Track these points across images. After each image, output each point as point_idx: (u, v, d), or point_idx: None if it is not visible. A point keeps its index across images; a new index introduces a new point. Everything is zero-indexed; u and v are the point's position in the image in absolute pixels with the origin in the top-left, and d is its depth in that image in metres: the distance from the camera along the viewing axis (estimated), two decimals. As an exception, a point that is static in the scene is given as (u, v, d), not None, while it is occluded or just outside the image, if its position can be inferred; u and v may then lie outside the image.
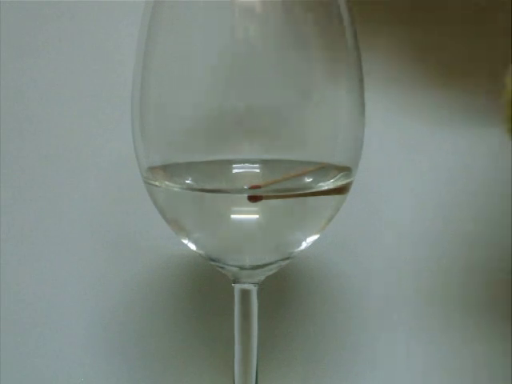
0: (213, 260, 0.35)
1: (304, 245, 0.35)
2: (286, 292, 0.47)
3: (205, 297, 0.47)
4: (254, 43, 0.32)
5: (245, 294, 0.35)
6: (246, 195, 0.32)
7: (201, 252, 0.35)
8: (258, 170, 0.33)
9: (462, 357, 0.47)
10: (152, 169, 0.34)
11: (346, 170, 0.34)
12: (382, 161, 0.45)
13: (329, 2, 0.33)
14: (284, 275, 0.45)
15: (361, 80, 0.34)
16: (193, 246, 0.35)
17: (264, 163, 0.34)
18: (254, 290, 0.36)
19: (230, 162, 0.34)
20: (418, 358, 0.47)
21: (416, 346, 0.47)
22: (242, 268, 0.35)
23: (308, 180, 0.34)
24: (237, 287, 0.36)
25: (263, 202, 0.32)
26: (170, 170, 0.34)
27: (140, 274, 0.47)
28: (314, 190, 0.34)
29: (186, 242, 0.35)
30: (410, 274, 0.47)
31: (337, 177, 0.34)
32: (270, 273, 0.36)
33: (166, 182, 0.34)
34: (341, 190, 0.34)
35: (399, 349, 0.47)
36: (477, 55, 0.37)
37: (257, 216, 0.33)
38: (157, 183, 0.34)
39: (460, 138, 0.42)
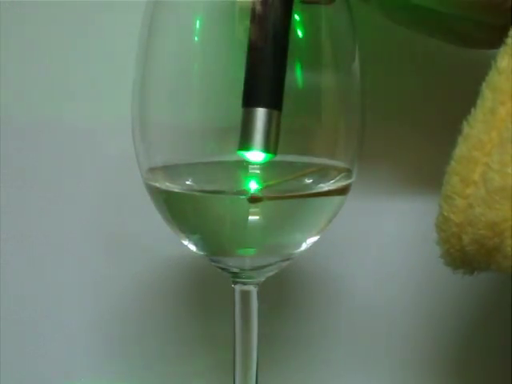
0: (213, 261, 0.35)
1: (304, 246, 0.35)
2: (286, 292, 0.47)
3: (205, 297, 0.47)
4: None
5: (245, 294, 0.35)
6: (245, 196, 0.32)
7: (201, 253, 0.35)
8: (258, 171, 0.33)
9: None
10: (152, 170, 0.34)
11: (346, 171, 0.34)
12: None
13: None
14: (285, 276, 0.45)
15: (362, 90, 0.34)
16: (193, 247, 0.35)
17: (264, 164, 0.33)
18: (254, 290, 0.36)
19: (231, 163, 0.34)
20: (421, 357, 0.48)
21: (418, 344, 0.47)
22: (242, 269, 0.35)
23: (308, 181, 0.34)
24: (237, 288, 0.36)
25: (263, 203, 0.32)
26: (170, 170, 0.34)
27: (140, 275, 0.47)
28: (314, 191, 0.34)
29: (186, 242, 0.35)
30: (411, 274, 0.47)
31: (337, 178, 0.34)
32: (270, 274, 0.36)
33: (167, 183, 0.34)
34: (341, 191, 0.34)
35: (399, 349, 0.47)
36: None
37: (257, 217, 0.33)
38: (157, 184, 0.34)
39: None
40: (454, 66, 0.44)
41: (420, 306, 0.47)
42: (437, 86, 0.45)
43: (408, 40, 0.44)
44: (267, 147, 0.30)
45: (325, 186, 0.34)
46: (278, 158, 0.31)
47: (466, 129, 0.27)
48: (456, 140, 0.28)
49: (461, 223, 0.27)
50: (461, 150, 0.27)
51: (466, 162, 0.27)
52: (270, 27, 0.30)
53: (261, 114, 0.30)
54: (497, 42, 0.27)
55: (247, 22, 0.31)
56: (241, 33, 0.32)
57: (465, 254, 0.28)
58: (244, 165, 0.33)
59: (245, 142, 0.30)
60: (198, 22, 0.33)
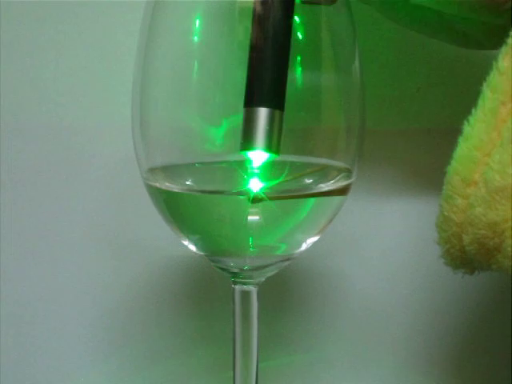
0: (213, 261, 0.35)
1: (304, 246, 0.35)
2: (286, 292, 0.47)
3: (205, 297, 0.47)
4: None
5: (245, 295, 0.35)
6: (245, 196, 0.32)
7: (201, 253, 0.35)
8: (258, 172, 0.33)
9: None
10: (152, 170, 0.34)
11: (346, 171, 0.34)
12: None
13: None
14: (285, 276, 0.45)
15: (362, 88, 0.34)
16: (193, 247, 0.35)
17: (265, 164, 0.33)
18: (254, 291, 0.36)
19: (231, 163, 0.34)
20: (419, 357, 0.48)
21: (418, 344, 0.47)
22: (242, 269, 0.35)
23: (308, 181, 0.34)
24: (237, 288, 0.36)
25: (263, 203, 0.32)
26: (170, 171, 0.34)
27: (140, 275, 0.47)
28: (314, 191, 0.34)
29: (186, 243, 0.35)
30: (411, 273, 0.47)
31: (337, 178, 0.34)
32: (270, 274, 0.36)
33: (167, 183, 0.34)
34: (341, 191, 0.34)
35: (400, 349, 0.47)
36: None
37: (257, 217, 0.33)
38: (157, 184, 0.34)
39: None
40: (454, 66, 0.44)
41: (420, 306, 0.47)
42: (437, 86, 0.45)
43: (408, 40, 0.44)
44: (270, 147, 0.30)
45: (325, 186, 0.34)
46: (278, 157, 0.31)
47: (466, 129, 0.27)
48: (456, 140, 0.28)
49: (461, 223, 0.27)
50: (461, 149, 0.27)
51: (467, 162, 0.27)
52: (271, 27, 0.30)
53: (263, 113, 0.30)
54: (497, 42, 0.27)
55: (247, 22, 0.31)
56: (241, 33, 0.32)
57: (465, 254, 0.28)
58: (244, 165, 0.33)
59: (247, 142, 0.30)
60: (197, 22, 0.33)
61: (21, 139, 0.46)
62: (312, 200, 0.34)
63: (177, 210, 0.34)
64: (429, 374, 0.48)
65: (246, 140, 0.30)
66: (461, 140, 0.28)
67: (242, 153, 0.31)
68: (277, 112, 0.30)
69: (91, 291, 0.47)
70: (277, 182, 0.33)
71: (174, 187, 0.34)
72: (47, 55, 0.45)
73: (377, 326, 0.47)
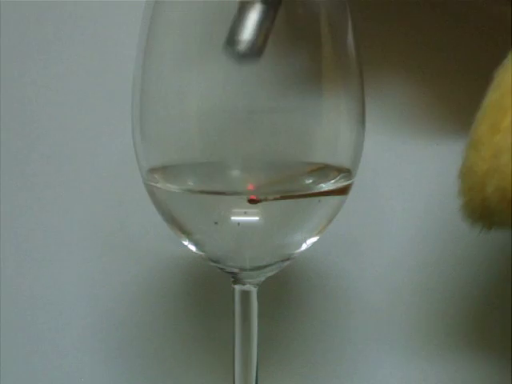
0: (213, 261, 0.35)
1: (304, 246, 0.35)
2: (286, 292, 0.47)
3: (205, 297, 0.47)
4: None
5: (245, 295, 0.35)
6: (245, 197, 0.32)
7: (201, 253, 0.35)
8: (258, 172, 0.33)
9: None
10: (152, 170, 0.34)
11: (346, 171, 0.34)
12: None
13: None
14: (285, 275, 0.45)
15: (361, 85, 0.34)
16: (193, 248, 0.35)
17: (264, 164, 0.34)
18: (254, 290, 0.36)
19: (231, 164, 0.34)
20: (419, 357, 0.48)
21: (419, 344, 0.47)
22: (241, 269, 0.35)
23: (308, 181, 0.34)
24: (237, 288, 0.36)
25: (263, 203, 0.32)
26: (170, 171, 0.34)
27: (140, 275, 0.47)
28: (314, 191, 0.34)
29: (186, 243, 0.35)
30: (410, 273, 0.47)
31: (337, 178, 0.34)
32: (270, 274, 0.36)
33: (167, 184, 0.34)
34: (341, 191, 0.34)
35: (400, 349, 0.47)
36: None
37: (256, 218, 0.33)
38: (157, 185, 0.34)
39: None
40: (454, 66, 0.44)
41: (420, 305, 0.47)
42: (437, 85, 0.45)
43: (408, 38, 0.44)
44: (255, 43, 0.30)
45: (325, 186, 0.34)
46: (278, 158, 0.31)
47: (498, 77, 0.27)
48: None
49: (486, 170, 0.27)
50: (491, 97, 0.27)
51: (497, 109, 0.26)
52: None
53: (256, 8, 0.29)
54: None
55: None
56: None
57: (486, 206, 0.27)
58: (244, 165, 0.33)
59: (234, 34, 0.30)
60: (197, 22, 0.33)
61: (21, 139, 0.46)
62: (312, 200, 0.34)
63: (177, 210, 0.34)
64: (429, 373, 0.48)
65: (234, 32, 0.30)
66: (491, 89, 0.27)
67: (228, 45, 0.30)
68: (270, 9, 0.29)
69: (91, 291, 0.47)
70: (276, 182, 0.33)
71: (173, 187, 0.34)
72: (47, 55, 0.45)
73: (377, 326, 0.47)
